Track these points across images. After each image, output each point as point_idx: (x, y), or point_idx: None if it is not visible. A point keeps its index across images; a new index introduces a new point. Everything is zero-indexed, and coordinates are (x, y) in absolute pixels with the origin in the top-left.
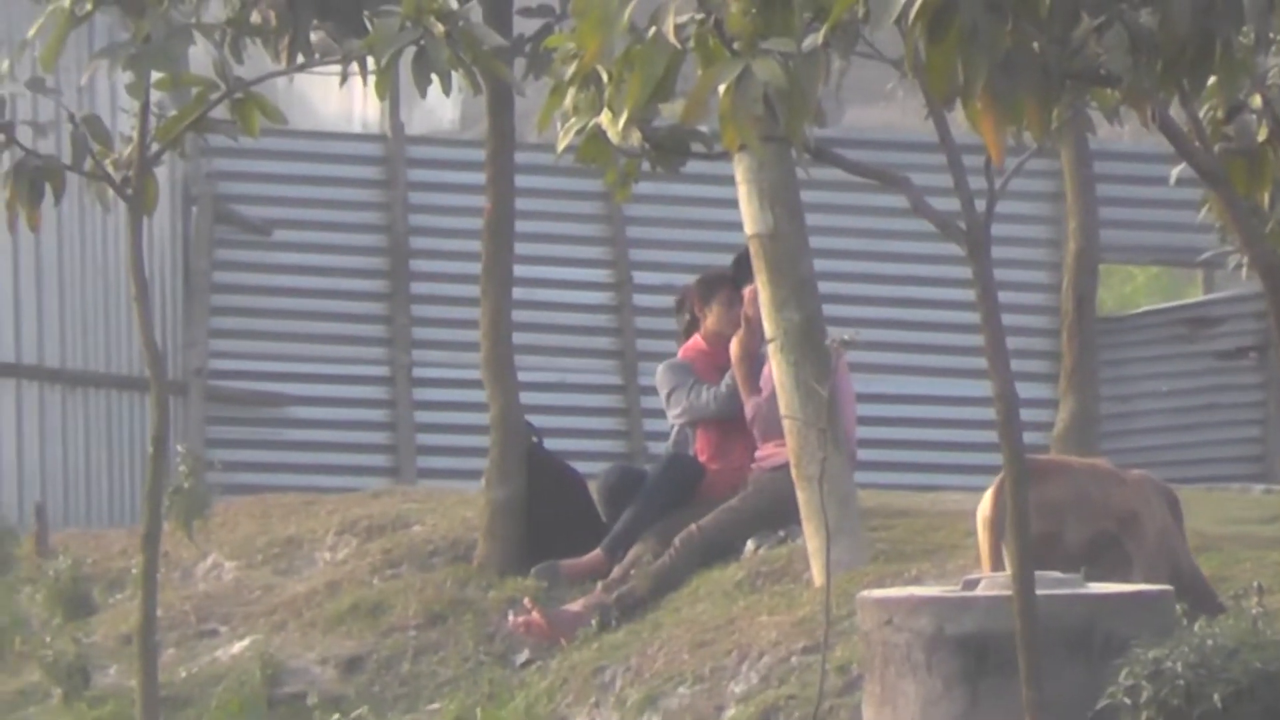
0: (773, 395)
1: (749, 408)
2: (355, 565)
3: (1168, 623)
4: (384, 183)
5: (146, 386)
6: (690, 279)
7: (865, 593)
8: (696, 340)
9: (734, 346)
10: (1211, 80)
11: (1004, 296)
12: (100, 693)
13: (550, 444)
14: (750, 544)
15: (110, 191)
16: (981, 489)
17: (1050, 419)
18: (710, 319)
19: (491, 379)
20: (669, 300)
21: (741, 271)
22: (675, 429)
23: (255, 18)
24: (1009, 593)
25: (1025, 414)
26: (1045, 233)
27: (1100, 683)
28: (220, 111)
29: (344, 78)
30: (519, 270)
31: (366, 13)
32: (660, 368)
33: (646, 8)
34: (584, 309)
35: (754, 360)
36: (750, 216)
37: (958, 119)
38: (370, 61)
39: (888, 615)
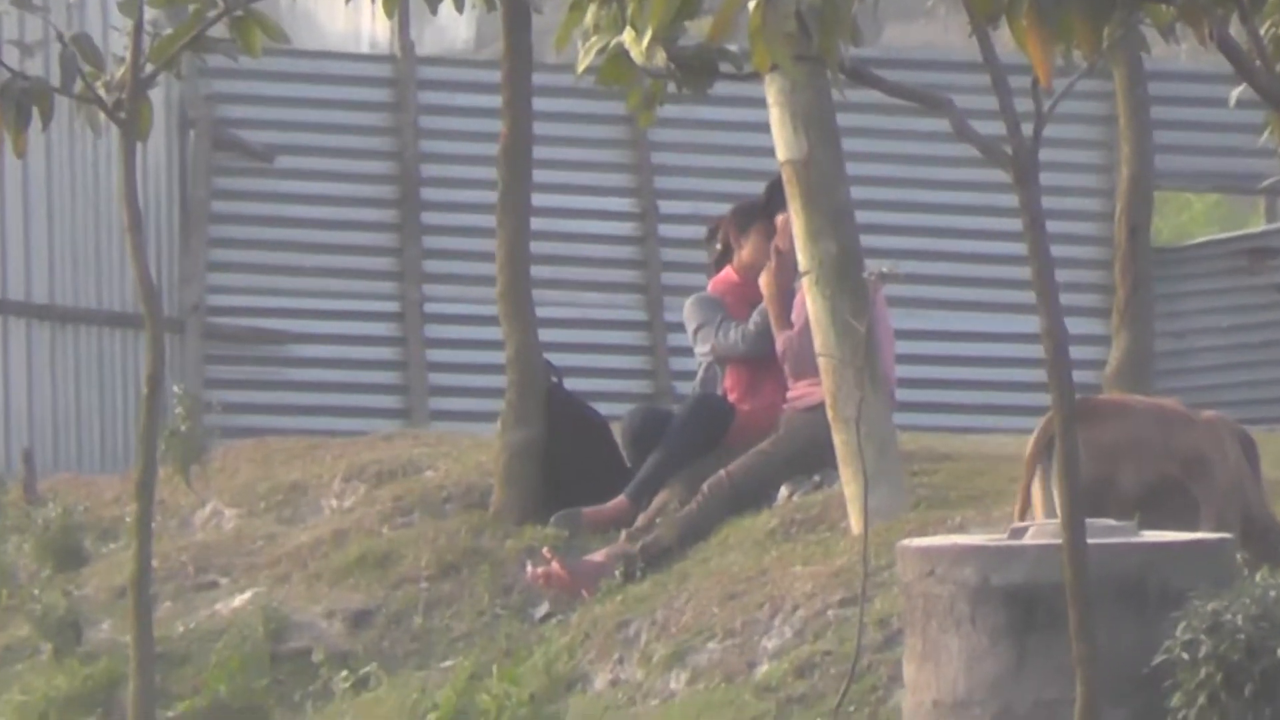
0: (805, 330)
1: (779, 342)
2: (363, 513)
3: (1227, 573)
4: (393, 106)
5: (140, 324)
6: (719, 208)
7: (906, 542)
8: (728, 272)
9: (764, 280)
10: None
11: (1053, 226)
12: (92, 649)
13: (571, 384)
14: (783, 490)
15: (102, 115)
16: (1028, 431)
17: (1102, 356)
18: (745, 250)
19: (508, 315)
20: (696, 231)
21: (775, 200)
22: (703, 367)
23: None
24: (1058, 541)
25: (1075, 351)
26: (1097, 158)
27: (1156, 636)
28: (219, 30)
29: None
30: (537, 199)
31: None
32: (688, 302)
33: None
34: (606, 240)
35: (786, 294)
36: (783, 142)
37: (1003, 37)
38: None
39: (930, 566)
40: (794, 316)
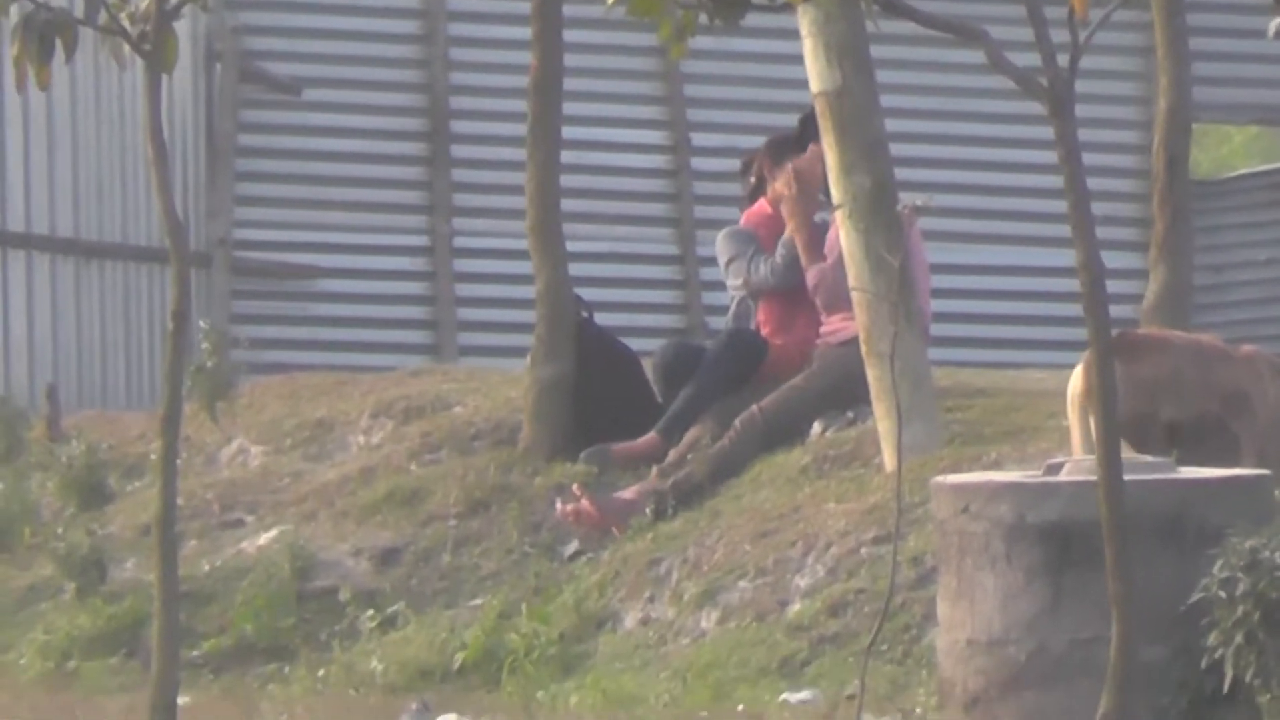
0: (838, 263)
1: (811, 275)
2: (391, 450)
3: (1266, 509)
4: (422, 38)
5: (166, 258)
6: (751, 141)
7: (940, 478)
8: (762, 205)
9: (785, 206)
10: None
11: (1089, 158)
12: (117, 587)
13: (601, 318)
14: (816, 426)
15: (126, 47)
16: (1064, 366)
17: (1139, 290)
18: (779, 182)
19: (538, 249)
20: (729, 164)
21: (809, 131)
22: (735, 301)
23: None
24: (1094, 478)
25: (1112, 285)
26: (1134, 90)
27: (1193, 574)
28: None
29: None
30: (568, 132)
31: None
32: (721, 234)
33: None
34: (638, 173)
35: (812, 224)
36: (816, 73)
37: None
38: None
39: (964, 502)
40: (826, 249)
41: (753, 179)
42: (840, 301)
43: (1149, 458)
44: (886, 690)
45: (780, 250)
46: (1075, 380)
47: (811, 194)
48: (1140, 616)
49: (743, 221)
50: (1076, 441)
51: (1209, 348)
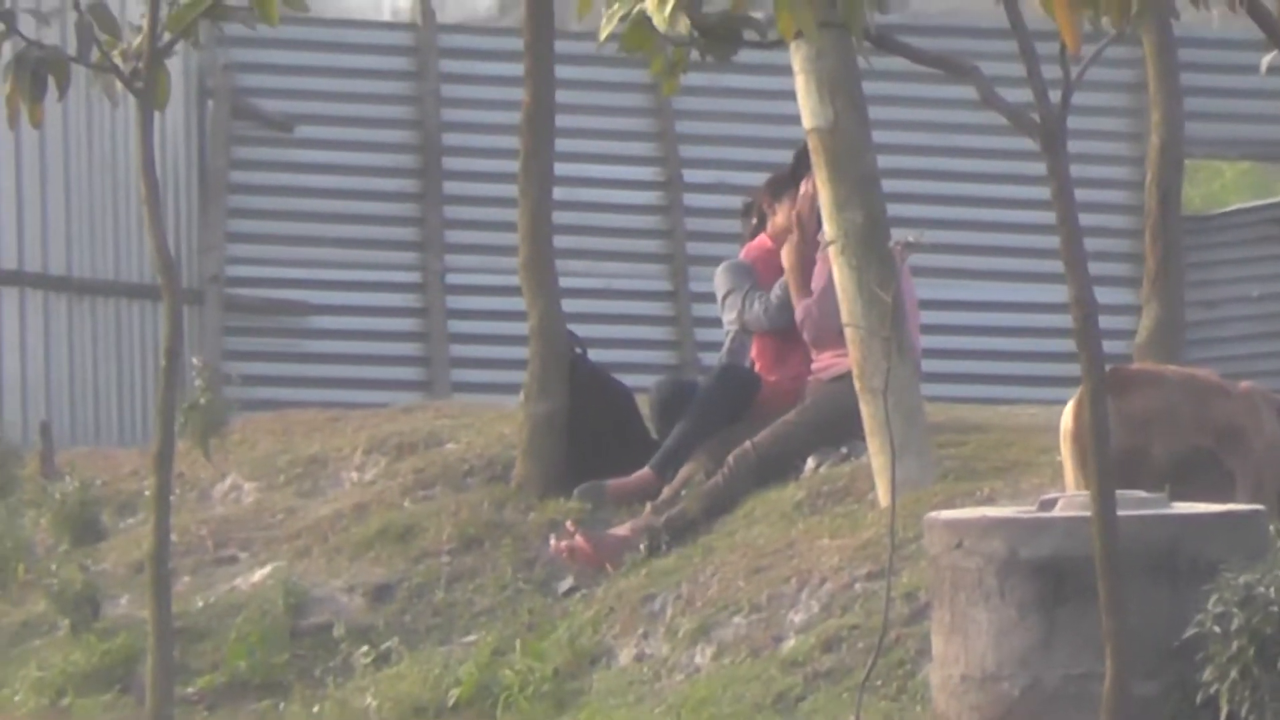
0: (824, 296)
1: (798, 310)
2: (384, 486)
3: (1260, 544)
4: (414, 74)
5: (159, 295)
6: (744, 177)
7: (933, 514)
8: (762, 239)
9: (785, 251)
10: None
11: (1081, 194)
12: (110, 624)
13: (594, 355)
14: (810, 462)
15: (119, 84)
16: (1058, 402)
17: (1132, 325)
18: (779, 216)
19: (530, 285)
20: (721, 200)
21: (803, 166)
22: (730, 336)
23: None
24: (1088, 513)
25: (1105, 320)
26: (1126, 126)
27: (1187, 609)
28: None
29: None
30: (560, 168)
31: None
32: (720, 268)
33: None
34: (630, 209)
35: (807, 264)
36: (808, 109)
37: (1030, 3)
38: None
39: (957, 538)
40: (813, 284)
41: (754, 219)
42: (827, 336)
43: (1142, 493)
44: None
45: (776, 290)
46: (1068, 416)
47: (813, 239)
48: (1134, 652)
49: (743, 254)
50: (1070, 477)
51: (1205, 383)
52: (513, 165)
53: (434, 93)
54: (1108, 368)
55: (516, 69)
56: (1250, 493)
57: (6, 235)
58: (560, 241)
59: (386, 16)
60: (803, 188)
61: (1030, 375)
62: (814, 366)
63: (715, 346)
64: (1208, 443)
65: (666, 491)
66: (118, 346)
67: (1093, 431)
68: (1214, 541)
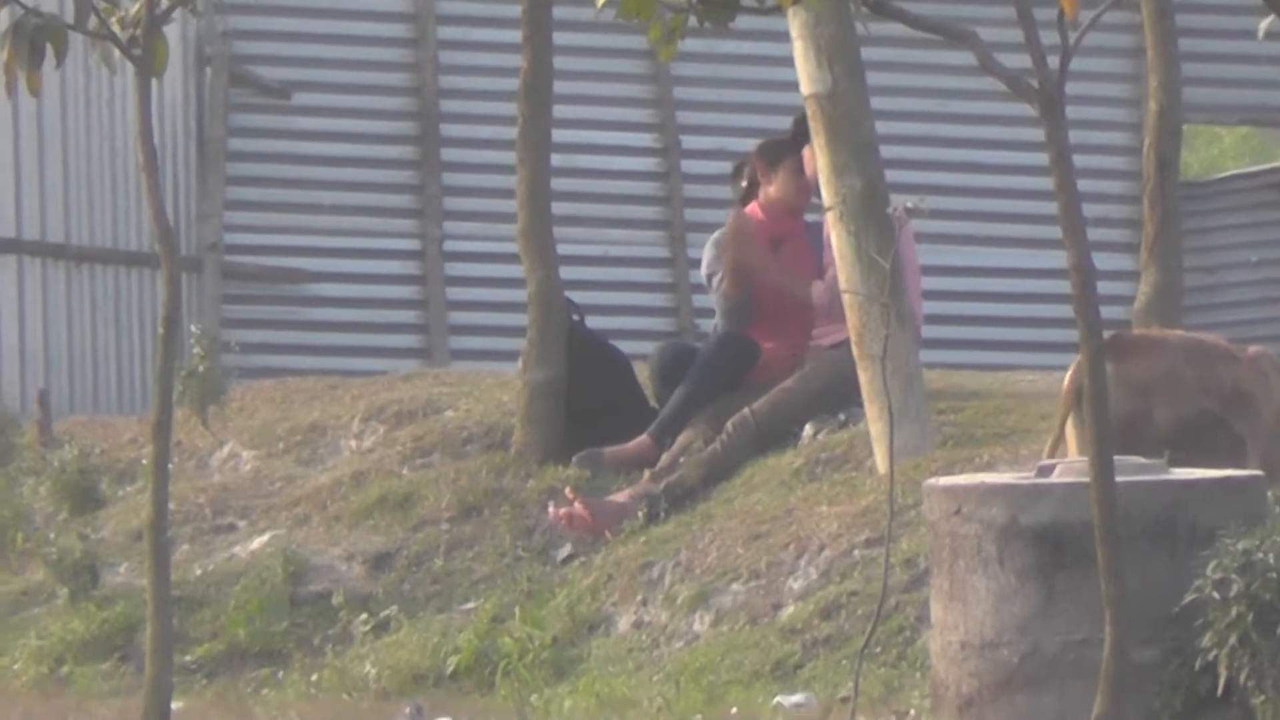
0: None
1: (817, 293)
2: (383, 454)
3: (1259, 510)
4: (412, 41)
5: (157, 263)
6: (742, 143)
7: (932, 480)
8: (753, 209)
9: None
10: None
11: (1080, 160)
12: (109, 592)
13: (592, 322)
14: (808, 428)
15: (116, 52)
16: (1056, 367)
17: (1131, 291)
18: (775, 186)
19: (529, 252)
20: (719, 166)
21: (802, 133)
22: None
23: None
24: (1086, 479)
25: (1104, 286)
26: (1124, 91)
27: (1186, 576)
28: None
29: None
30: (558, 135)
31: None
32: (708, 243)
33: None
34: (628, 176)
35: (790, 282)
36: (807, 75)
37: None
38: None
39: (956, 504)
40: (826, 260)
41: (744, 183)
42: (839, 311)
43: (1140, 459)
44: (880, 693)
45: (722, 303)
46: (1065, 380)
47: (750, 246)
48: (1133, 618)
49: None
50: (1071, 443)
51: (1211, 347)
52: (511, 132)
53: (432, 59)
54: (1107, 333)
55: (515, 35)
56: (1260, 457)
57: (4, 203)
58: (558, 208)
59: None
60: (806, 154)
61: (1029, 341)
62: (814, 332)
63: (712, 314)
64: (1213, 406)
65: (665, 459)
66: (116, 314)
67: (1091, 397)
68: (1213, 507)
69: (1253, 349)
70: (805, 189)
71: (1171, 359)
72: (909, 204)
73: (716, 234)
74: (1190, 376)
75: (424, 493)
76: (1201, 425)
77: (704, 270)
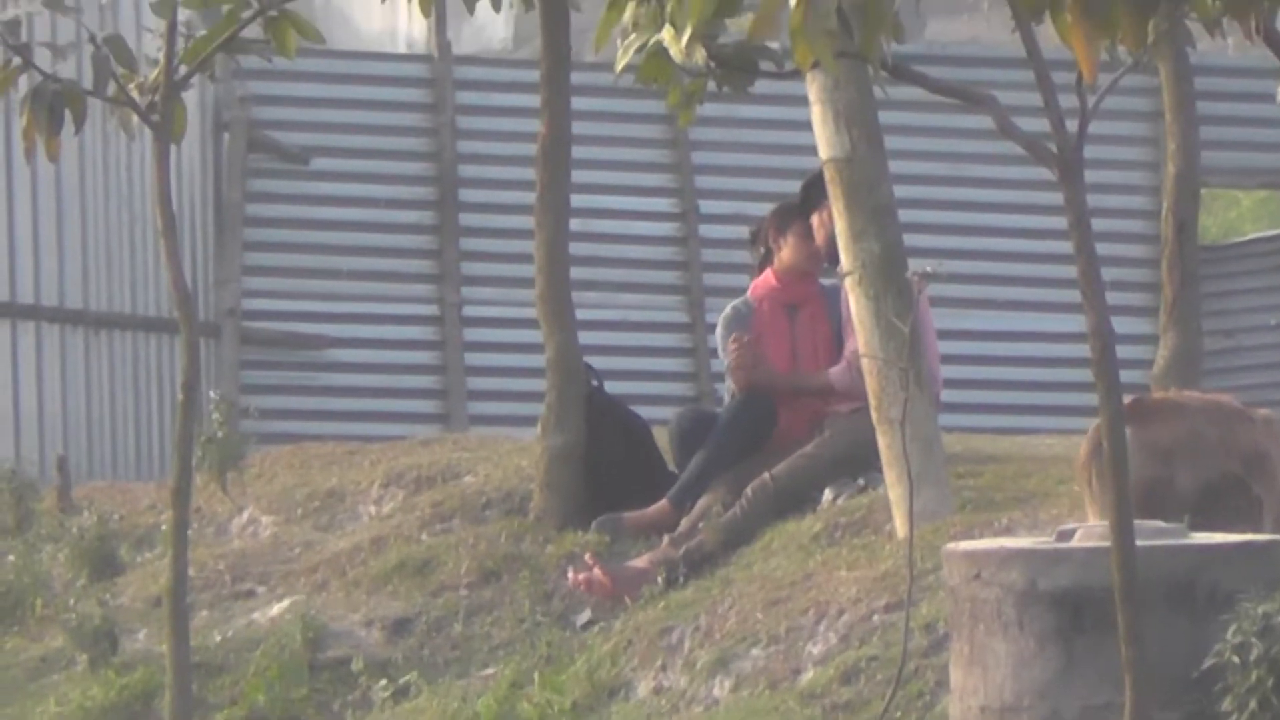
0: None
1: (836, 380)
2: (402, 519)
3: (1279, 574)
4: (430, 106)
5: (175, 328)
6: (760, 208)
7: (952, 545)
8: (767, 275)
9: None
10: None
11: (1098, 224)
12: (129, 659)
13: (611, 387)
14: (828, 493)
15: (135, 118)
16: (1075, 431)
17: (1150, 355)
18: (785, 251)
19: (547, 317)
20: (738, 231)
21: (811, 197)
22: None
23: None
24: (1106, 544)
25: (1122, 350)
26: (1143, 155)
27: (1206, 640)
28: (253, 30)
29: None
30: (576, 200)
31: None
32: (722, 316)
33: None
34: (647, 241)
35: (779, 378)
36: (825, 140)
37: (1047, 32)
38: None
39: (976, 569)
40: (845, 331)
41: (761, 249)
42: (862, 389)
43: (1160, 523)
44: None
45: (727, 399)
46: (1083, 445)
47: (758, 364)
48: (1153, 682)
49: (749, 291)
50: (1090, 507)
51: (1227, 409)
52: (529, 197)
53: (450, 124)
54: (1128, 398)
55: (533, 100)
56: (1276, 519)
57: (23, 269)
58: (577, 273)
59: (402, 48)
60: (815, 221)
61: (1048, 405)
62: (832, 398)
63: None
64: (1235, 467)
65: (684, 524)
66: (135, 380)
67: (1110, 461)
68: (1233, 571)
69: (1263, 412)
70: (814, 254)
71: (1193, 422)
72: (927, 268)
73: (727, 310)
74: (1212, 438)
75: (443, 558)
76: (1223, 488)
77: (718, 345)
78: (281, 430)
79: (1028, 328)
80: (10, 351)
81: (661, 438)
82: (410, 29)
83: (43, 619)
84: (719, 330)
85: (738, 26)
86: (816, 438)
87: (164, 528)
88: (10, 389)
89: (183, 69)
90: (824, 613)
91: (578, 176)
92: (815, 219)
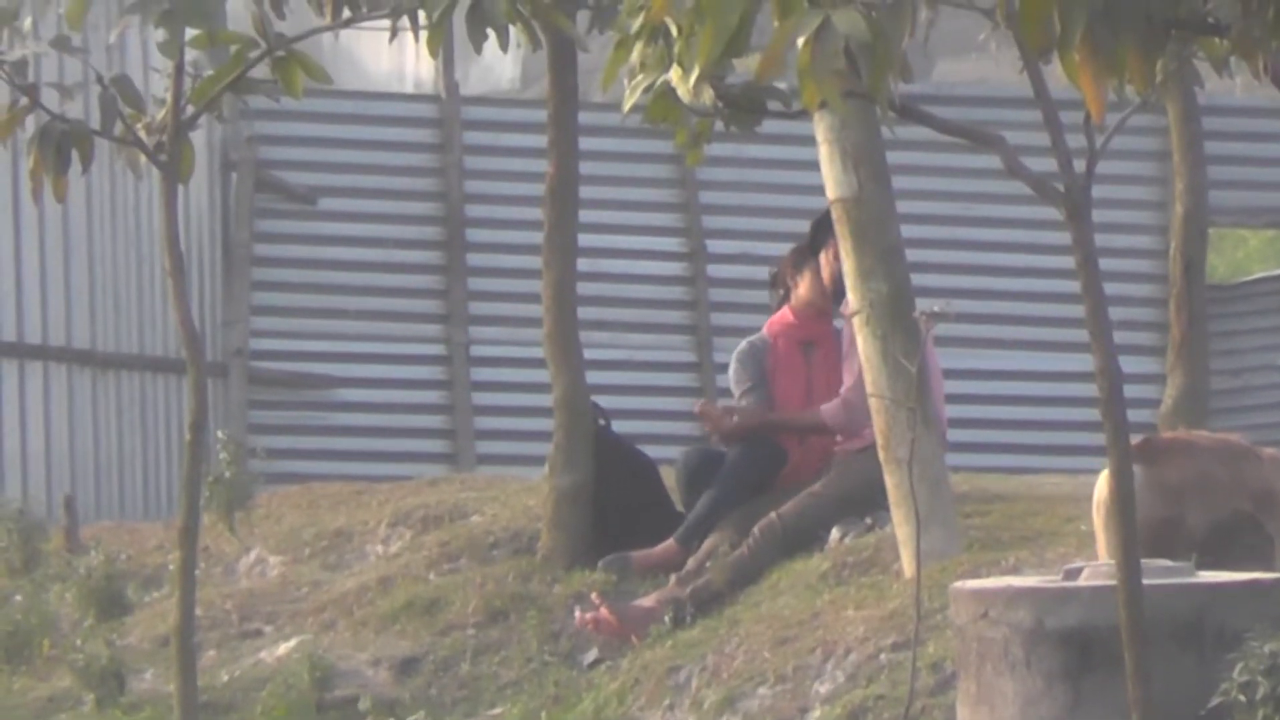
0: (855, 393)
1: (828, 417)
2: (410, 559)
3: None
4: (438, 146)
5: (183, 369)
6: (768, 247)
7: (959, 584)
8: (784, 313)
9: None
10: None
11: (1106, 263)
12: (136, 699)
13: (619, 426)
14: (835, 532)
15: (143, 158)
16: (1083, 471)
17: (1158, 395)
18: (802, 288)
19: (555, 357)
20: (745, 270)
21: (820, 237)
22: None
23: None
24: (1113, 583)
25: (1130, 390)
26: (1150, 194)
27: (1212, 679)
28: (261, 71)
29: (394, 33)
30: (584, 239)
31: None
32: (735, 354)
33: None
34: (654, 280)
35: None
36: (832, 180)
37: (1055, 72)
38: (422, 15)
39: (983, 608)
40: (843, 369)
41: (781, 291)
42: (858, 425)
43: (1167, 562)
44: None
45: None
46: (1101, 485)
47: (723, 418)
48: None
49: (765, 329)
50: (1102, 547)
51: (1236, 448)
52: (537, 237)
53: (457, 164)
54: (1138, 438)
55: (540, 140)
56: None
57: (31, 309)
58: (584, 313)
59: (410, 89)
60: (822, 259)
61: (1055, 444)
62: (839, 437)
63: None
64: (1246, 505)
65: (691, 563)
66: (142, 420)
67: (1117, 501)
68: (1240, 610)
69: (1270, 451)
70: (824, 292)
71: (1203, 461)
72: (935, 308)
73: (743, 345)
74: (1223, 477)
75: (450, 598)
76: (1234, 526)
77: (730, 381)
78: (289, 470)
79: (1035, 367)
80: (18, 391)
81: (669, 477)
82: (418, 69)
83: (50, 659)
84: (733, 365)
85: (745, 67)
86: (823, 477)
87: (171, 567)
88: (18, 429)
89: (190, 109)
90: (831, 652)
91: (585, 216)
92: (823, 256)
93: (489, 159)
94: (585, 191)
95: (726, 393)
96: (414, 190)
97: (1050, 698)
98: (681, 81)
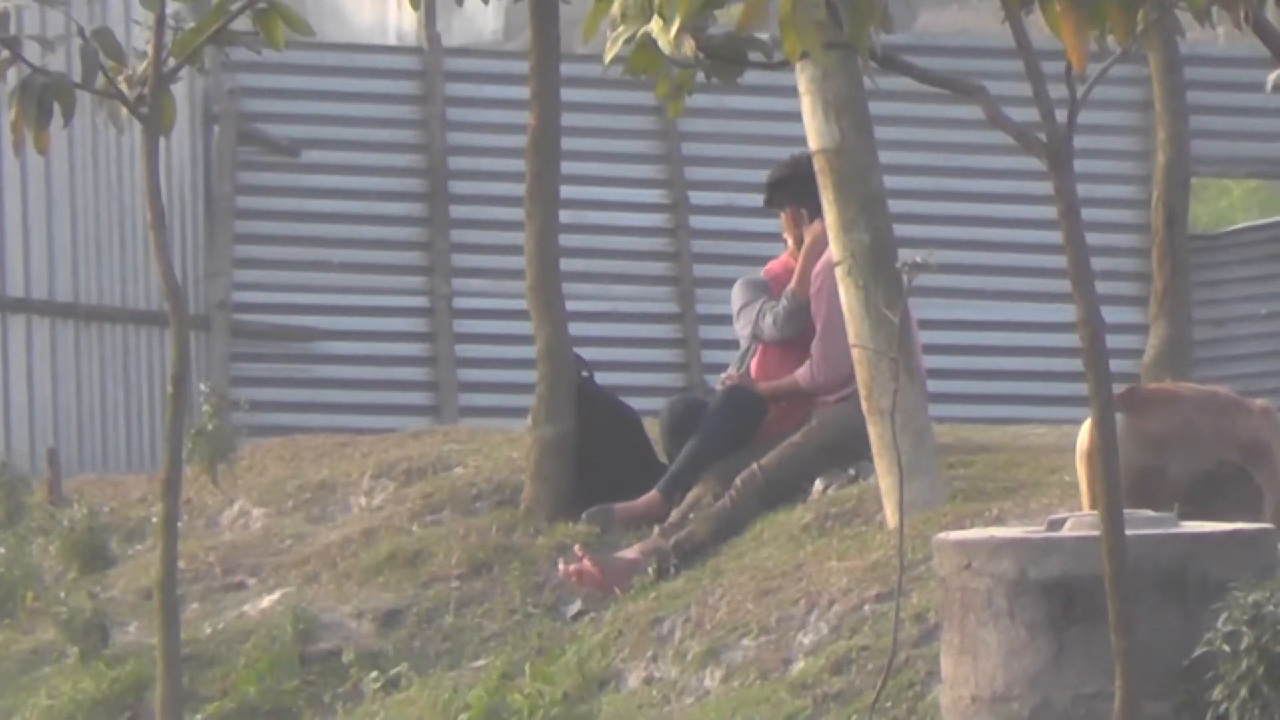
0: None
1: (801, 380)
2: (393, 511)
3: (1269, 563)
4: (420, 98)
5: (165, 321)
6: (750, 199)
7: (942, 535)
8: (785, 256)
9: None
10: None
11: (1088, 214)
12: (119, 651)
13: (602, 378)
14: (818, 483)
15: (124, 111)
16: (1065, 421)
17: (1140, 345)
18: (809, 238)
19: (538, 309)
20: (727, 222)
21: (775, 196)
22: (742, 356)
23: None
24: (1097, 533)
25: (1113, 340)
26: (1132, 144)
27: (1196, 629)
28: (242, 23)
29: None
30: (566, 191)
31: None
32: (737, 283)
33: None
34: (636, 232)
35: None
36: (814, 130)
37: (1037, 22)
38: None
39: (966, 559)
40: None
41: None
42: (835, 383)
43: (1150, 512)
44: None
45: (783, 300)
46: (1084, 436)
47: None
48: (1144, 671)
49: (762, 273)
50: (1086, 498)
51: (1222, 399)
52: (519, 188)
53: (440, 116)
54: (1122, 388)
55: (522, 92)
56: (1276, 509)
57: (13, 263)
58: (567, 265)
59: (392, 40)
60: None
61: (1038, 395)
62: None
63: (722, 368)
64: (1234, 457)
65: (674, 514)
66: (125, 373)
67: (1100, 451)
68: (1223, 560)
69: (1259, 402)
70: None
71: (1187, 412)
72: (917, 259)
73: (744, 278)
74: (1207, 428)
75: (434, 550)
76: (1219, 477)
77: (734, 307)
78: (272, 423)
79: (1018, 317)
80: (1, 345)
81: (652, 428)
82: (400, 21)
83: (33, 612)
84: (736, 292)
85: (726, 17)
86: (805, 427)
87: (154, 520)
88: (1, 382)
89: (171, 62)
90: (815, 603)
91: (567, 168)
92: (784, 217)
93: (471, 111)
94: (567, 143)
95: (709, 344)
96: (396, 142)
97: (1034, 648)
98: (662, 32)
